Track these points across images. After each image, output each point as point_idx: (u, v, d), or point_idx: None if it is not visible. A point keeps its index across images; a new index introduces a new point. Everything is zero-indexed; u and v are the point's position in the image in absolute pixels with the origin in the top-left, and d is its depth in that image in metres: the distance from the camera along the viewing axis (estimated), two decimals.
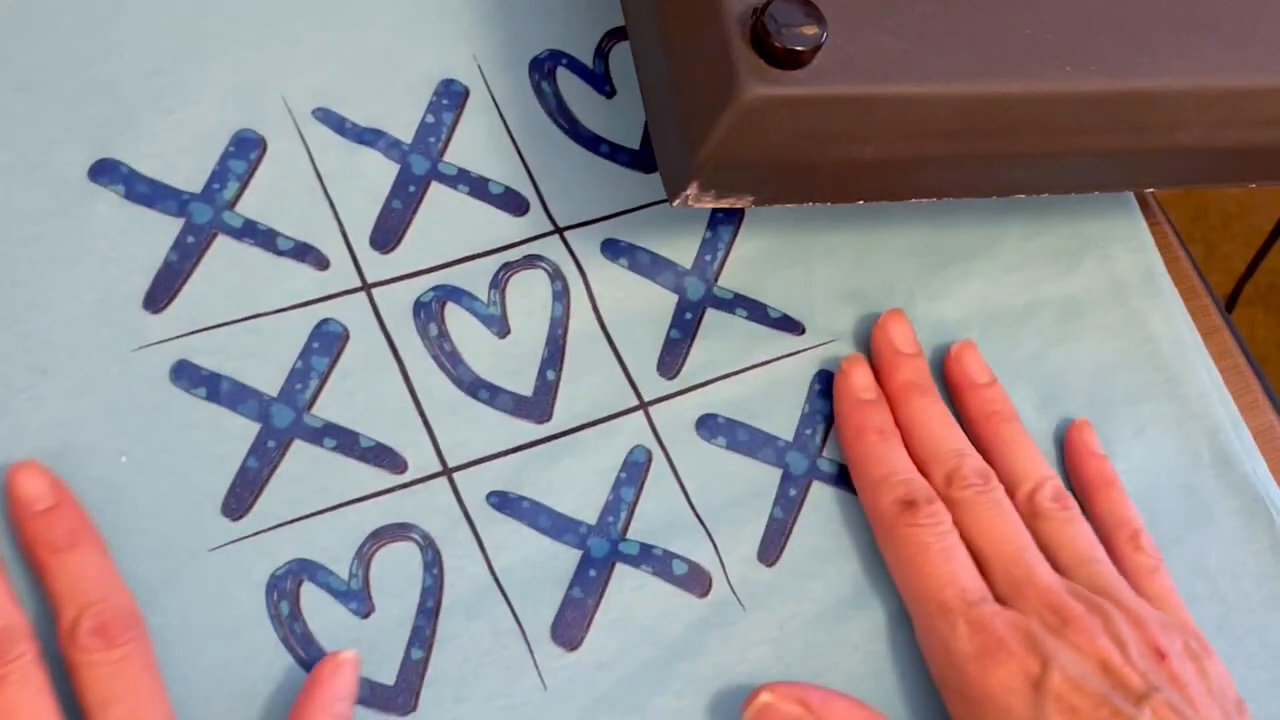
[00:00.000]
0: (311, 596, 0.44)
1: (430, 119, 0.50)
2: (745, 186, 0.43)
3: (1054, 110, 0.44)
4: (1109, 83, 0.44)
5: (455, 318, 0.48)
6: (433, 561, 0.45)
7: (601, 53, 0.52)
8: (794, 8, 0.39)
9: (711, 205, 0.44)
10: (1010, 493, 0.48)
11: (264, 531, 0.44)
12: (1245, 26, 0.46)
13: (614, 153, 0.51)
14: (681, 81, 0.42)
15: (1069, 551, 0.47)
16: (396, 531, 0.45)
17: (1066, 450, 0.51)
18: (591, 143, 0.51)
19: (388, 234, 0.48)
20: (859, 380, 0.49)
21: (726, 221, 0.51)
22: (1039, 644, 0.43)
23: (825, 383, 0.50)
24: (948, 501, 0.46)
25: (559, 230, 0.50)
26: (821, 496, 0.48)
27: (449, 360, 0.47)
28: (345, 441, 0.45)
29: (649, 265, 0.50)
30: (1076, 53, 0.44)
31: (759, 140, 0.41)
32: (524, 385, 0.48)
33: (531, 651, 0.44)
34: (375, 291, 0.47)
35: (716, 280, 0.50)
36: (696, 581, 0.46)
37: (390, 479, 0.45)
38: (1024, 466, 0.48)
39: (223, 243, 0.47)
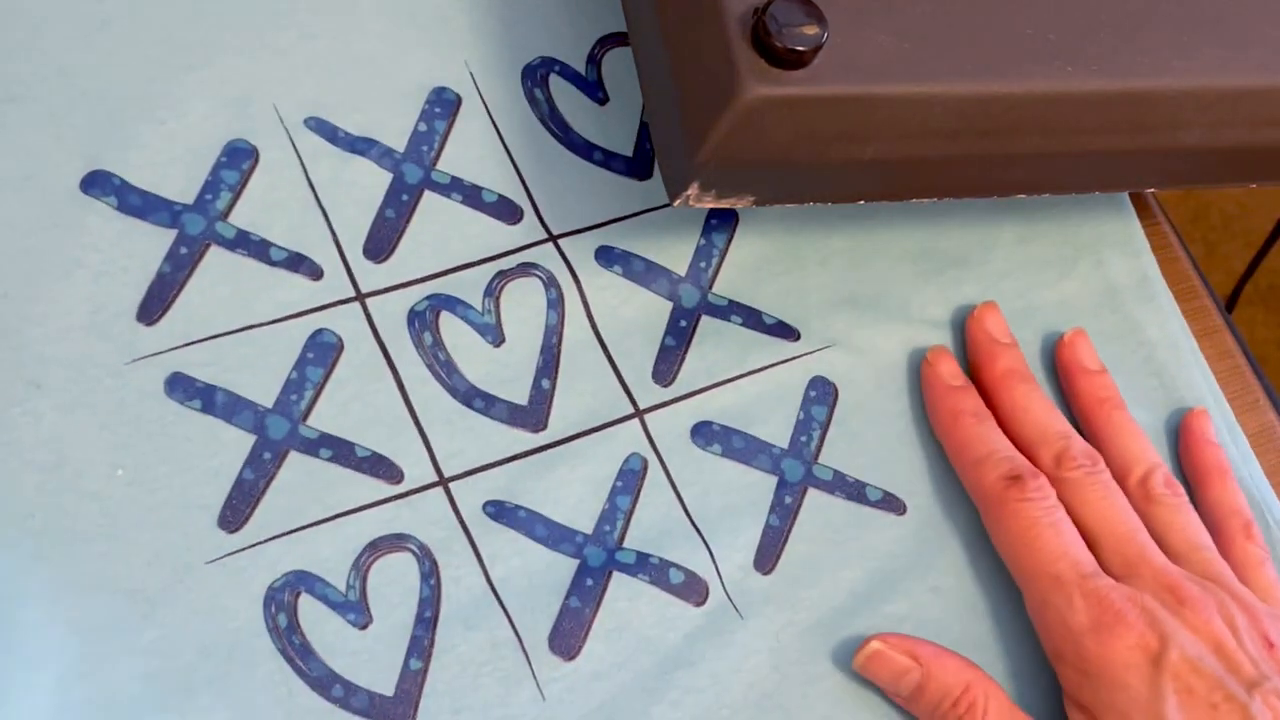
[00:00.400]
0: (309, 608, 0.43)
1: (423, 127, 0.50)
2: (746, 186, 0.43)
3: (1054, 110, 0.44)
4: (1109, 83, 0.44)
5: (450, 326, 0.47)
6: (430, 572, 0.44)
7: (594, 60, 0.52)
8: (795, 8, 0.39)
9: (712, 205, 0.44)
10: (1121, 478, 0.48)
11: (261, 543, 0.44)
12: (1245, 26, 0.46)
13: (607, 160, 0.51)
14: (682, 81, 0.42)
15: (1180, 537, 0.47)
16: (394, 542, 0.45)
17: (1182, 436, 0.52)
18: (585, 150, 0.51)
19: (381, 243, 0.48)
20: (947, 368, 0.50)
21: (721, 228, 0.51)
22: (1157, 620, 0.43)
23: (819, 389, 0.50)
24: (1056, 482, 0.47)
25: (553, 238, 0.50)
26: (817, 504, 0.48)
27: (444, 369, 0.47)
28: (341, 452, 0.45)
29: (643, 273, 0.50)
30: (1076, 53, 0.44)
31: (759, 140, 0.41)
32: (519, 394, 0.47)
33: (529, 662, 0.44)
34: (369, 301, 0.47)
35: (711, 287, 0.50)
36: (693, 590, 0.46)
37: (386, 489, 0.45)
38: (1136, 452, 0.49)
39: (216, 254, 0.46)
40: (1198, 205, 1.48)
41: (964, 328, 0.52)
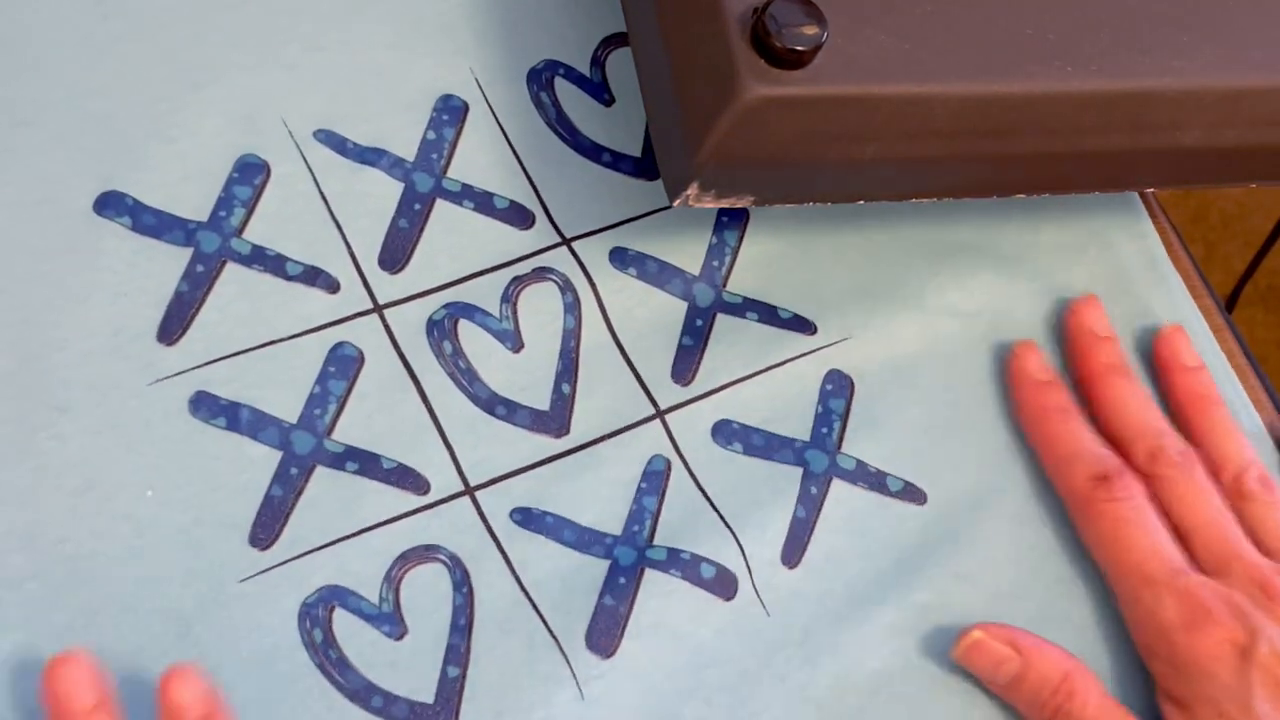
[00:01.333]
0: (344, 622, 0.44)
1: (431, 135, 0.50)
2: (746, 186, 0.43)
3: (1054, 110, 0.44)
4: (1109, 83, 0.44)
5: (469, 334, 0.48)
6: (461, 581, 0.45)
7: (598, 61, 0.52)
8: (794, 8, 0.39)
9: (712, 205, 0.44)
10: (1215, 474, 0.48)
11: (292, 560, 0.44)
12: (1245, 26, 0.46)
13: (616, 161, 0.51)
14: (682, 81, 0.42)
15: (1273, 534, 0.47)
16: (423, 553, 0.45)
17: None
18: (593, 152, 0.51)
19: (396, 254, 0.48)
20: (1034, 363, 0.50)
21: (732, 226, 0.51)
22: (1246, 615, 0.44)
23: (836, 382, 0.50)
24: (1150, 478, 0.47)
25: (566, 241, 0.50)
26: (841, 495, 0.48)
27: (465, 377, 0.47)
28: (367, 465, 0.45)
29: (657, 273, 0.50)
30: (1076, 53, 0.44)
31: (759, 140, 0.41)
32: (540, 399, 0.47)
33: (569, 661, 0.44)
34: (387, 312, 0.47)
35: (725, 285, 0.50)
36: (725, 585, 0.46)
37: (414, 500, 0.45)
38: (1231, 450, 0.49)
39: (232, 270, 0.47)
40: (1198, 205, 1.47)
41: (1062, 322, 0.52)
